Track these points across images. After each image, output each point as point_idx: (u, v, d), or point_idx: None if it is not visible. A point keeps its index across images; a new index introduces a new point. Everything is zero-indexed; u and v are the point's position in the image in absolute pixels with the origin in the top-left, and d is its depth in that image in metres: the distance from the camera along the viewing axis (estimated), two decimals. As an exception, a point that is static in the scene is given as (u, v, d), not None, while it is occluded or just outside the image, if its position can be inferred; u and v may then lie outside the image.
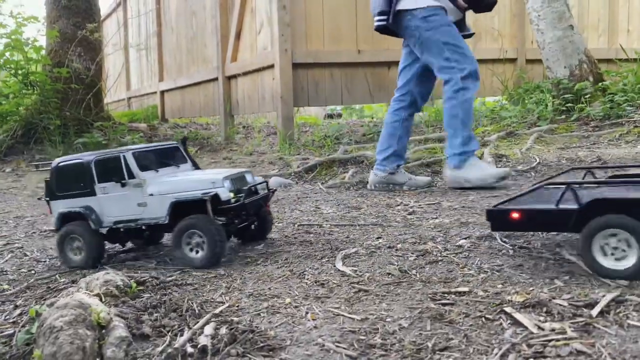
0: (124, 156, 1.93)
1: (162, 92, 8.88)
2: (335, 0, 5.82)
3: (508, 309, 1.15)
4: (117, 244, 2.17)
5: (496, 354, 0.96)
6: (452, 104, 3.10)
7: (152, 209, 1.89)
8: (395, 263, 1.58)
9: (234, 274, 1.66)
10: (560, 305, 1.15)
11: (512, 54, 6.81)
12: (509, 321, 1.10)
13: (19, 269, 1.96)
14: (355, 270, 1.55)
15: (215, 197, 1.80)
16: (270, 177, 3.58)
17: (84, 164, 1.98)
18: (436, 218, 2.15)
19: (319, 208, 2.54)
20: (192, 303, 1.34)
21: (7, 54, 6.31)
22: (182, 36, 8.15)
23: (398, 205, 2.48)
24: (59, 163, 2.04)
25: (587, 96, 4.20)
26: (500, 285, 1.36)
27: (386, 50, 6.14)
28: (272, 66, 5.84)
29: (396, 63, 5.99)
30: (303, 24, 5.81)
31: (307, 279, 1.51)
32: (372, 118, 9.41)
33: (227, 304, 1.34)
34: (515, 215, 1.45)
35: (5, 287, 1.69)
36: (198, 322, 1.18)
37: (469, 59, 3.09)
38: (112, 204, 1.95)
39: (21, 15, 6.78)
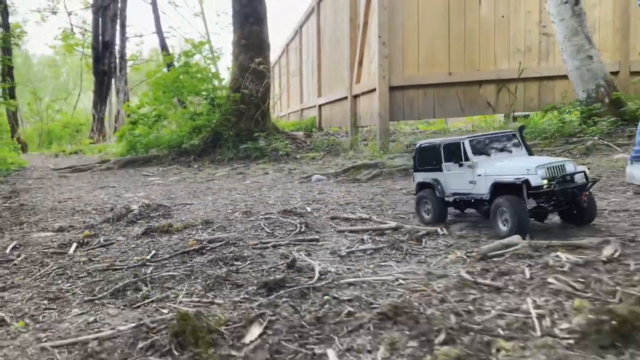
0: (462, 142, 2.40)
1: (320, 106, 11.43)
2: (430, 32, 7.48)
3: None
4: (458, 210, 2.65)
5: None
6: None
7: (479, 186, 2.31)
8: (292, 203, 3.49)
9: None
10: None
11: (615, 67, 7.51)
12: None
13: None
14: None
15: (526, 182, 2.11)
16: (313, 174, 5.62)
17: (436, 147, 2.57)
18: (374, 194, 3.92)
19: (314, 190, 4.42)
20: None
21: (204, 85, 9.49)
22: (331, 61, 10.54)
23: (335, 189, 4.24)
24: (421, 145, 2.69)
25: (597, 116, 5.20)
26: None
27: (477, 71, 7.62)
28: (374, 89, 7.81)
29: (486, 81, 7.56)
30: (400, 55, 7.66)
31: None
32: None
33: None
34: None
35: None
36: (134, 207, 3.33)
37: None
38: (452, 179, 2.47)
39: (214, 53, 9.94)
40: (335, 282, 1.60)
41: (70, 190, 6.11)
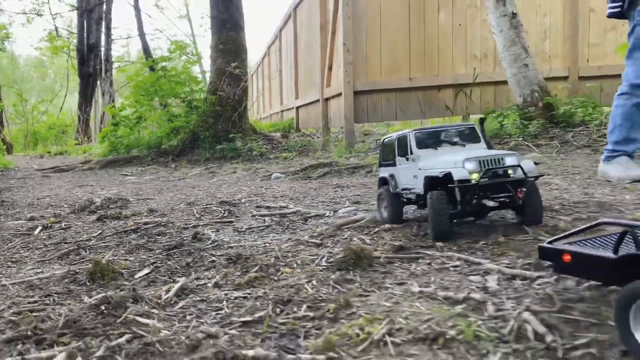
0: (408, 135, 2.39)
1: (297, 108, 12.11)
2: (392, 40, 8.16)
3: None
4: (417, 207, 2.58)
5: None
6: (615, 102, 3.46)
7: (419, 181, 2.27)
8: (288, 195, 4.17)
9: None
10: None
11: (565, 72, 8.20)
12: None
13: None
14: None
15: (448, 175, 2.06)
16: (273, 173, 6.31)
17: (392, 141, 2.55)
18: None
19: (268, 186, 5.09)
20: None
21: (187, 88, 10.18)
22: (307, 64, 11.23)
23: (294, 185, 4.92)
24: (384, 139, 2.70)
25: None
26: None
27: (436, 76, 8.32)
28: (340, 94, 8.49)
29: (444, 86, 8.23)
30: (364, 61, 8.34)
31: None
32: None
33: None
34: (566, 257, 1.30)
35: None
36: (96, 200, 4.00)
37: None
38: (402, 173, 2.44)
39: (193, 56, 10.62)
40: (220, 246, 2.28)
41: (50, 189, 6.77)
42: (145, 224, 2.97)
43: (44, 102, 21.33)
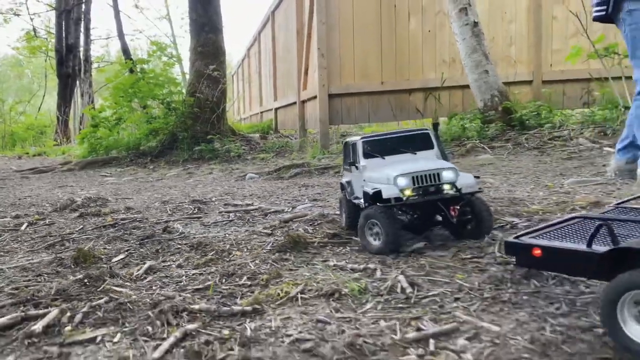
0: (355, 143, 2.35)
1: (276, 109, 12.54)
2: (364, 45, 8.64)
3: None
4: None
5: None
6: (636, 104, 3.32)
7: (364, 192, 2.24)
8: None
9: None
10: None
11: (529, 77, 8.73)
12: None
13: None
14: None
15: (378, 194, 2.05)
16: (248, 173, 6.73)
17: (349, 145, 2.47)
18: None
19: (241, 186, 5.52)
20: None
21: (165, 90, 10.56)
22: (284, 67, 11.66)
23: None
24: (345, 142, 2.55)
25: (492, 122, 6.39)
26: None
27: (406, 80, 8.81)
28: (316, 97, 8.93)
29: (415, 90, 8.70)
30: (338, 65, 8.80)
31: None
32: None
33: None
34: (537, 252, 1.33)
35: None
36: (77, 199, 4.40)
37: None
38: (355, 181, 2.40)
39: (172, 57, 11.00)
40: (186, 237, 2.71)
41: (31, 190, 7.12)
42: (122, 219, 3.38)
43: (22, 102, 21.50)
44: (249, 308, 1.52)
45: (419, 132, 2.39)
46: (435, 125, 2.49)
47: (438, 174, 2.09)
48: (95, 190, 6.51)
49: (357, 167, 2.35)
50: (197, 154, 10.02)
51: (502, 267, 1.77)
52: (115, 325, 1.51)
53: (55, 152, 14.19)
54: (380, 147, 2.32)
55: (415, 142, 2.35)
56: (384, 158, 2.30)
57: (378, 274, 1.77)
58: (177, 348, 1.27)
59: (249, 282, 1.80)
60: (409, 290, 1.57)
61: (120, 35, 13.04)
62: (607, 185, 3.32)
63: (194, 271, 2.03)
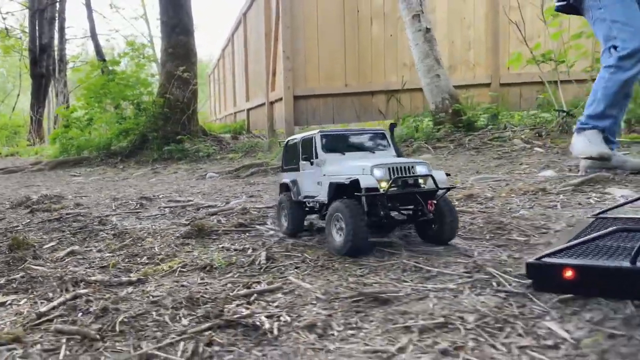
0: (314, 138, 2.32)
1: (248, 110, 12.92)
2: (329, 48, 9.06)
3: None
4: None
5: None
6: (599, 77, 3.44)
7: (323, 188, 2.21)
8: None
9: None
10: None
11: (487, 79, 9.19)
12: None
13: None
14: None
15: (355, 182, 2.00)
16: (208, 172, 7.12)
17: (296, 143, 2.48)
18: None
19: (196, 185, 5.88)
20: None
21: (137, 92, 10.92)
22: (256, 68, 12.06)
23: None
24: (287, 141, 2.60)
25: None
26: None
27: (369, 83, 9.24)
28: (282, 98, 9.33)
29: (377, 92, 9.10)
30: (303, 68, 9.21)
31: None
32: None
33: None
34: (568, 273, 1.23)
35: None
36: (33, 196, 4.76)
37: (637, 39, 3.27)
38: (305, 179, 2.38)
39: (144, 58, 11.35)
40: (116, 228, 3.09)
41: (-4, 188, 7.44)
42: (68, 214, 3.76)
43: (-4, 102, 21.76)
44: (134, 279, 1.91)
45: (377, 132, 2.43)
46: (392, 127, 2.49)
47: (412, 167, 2.10)
48: (59, 190, 6.86)
49: (311, 163, 2.33)
50: (166, 154, 10.38)
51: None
52: (24, 293, 1.89)
53: (28, 152, 14.48)
54: (338, 143, 2.33)
55: (372, 142, 2.38)
56: (344, 154, 2.30)
57: (249, 252, 2.17)
58: (63, 305, 1.66)
59: (147, 261, 2.19)
60: (264, 262, 1.98)
61: (93, 35, 13.35)
62: (501, 182, 3.77)
63: (109, 254, 2.41)
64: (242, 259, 2.06)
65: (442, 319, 1.32)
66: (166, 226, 2.97)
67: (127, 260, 2.24)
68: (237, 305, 1.51)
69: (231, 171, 7.27)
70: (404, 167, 2.08)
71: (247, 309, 1.48)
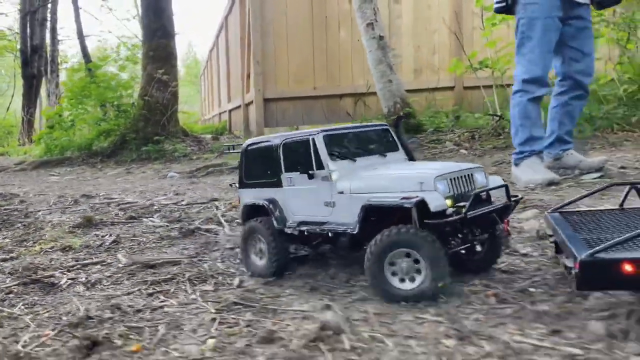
0: (313, 139, 1.79)
1: (229, 111, 13.54)
2: (298, 52, 9.64)
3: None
4: (306, 246, 2.05)
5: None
6: (512, 103, 3.57)
7: (342, 210, 1.70)
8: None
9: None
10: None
11: (452, 83, 9.70)
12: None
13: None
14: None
15: (422, 204, 1.52)
16: (169, 172, 7.71)
17: (272, 148, 1.93)
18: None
19: (150, 184, 6.45)
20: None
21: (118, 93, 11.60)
22: (236, 70, 12.67)
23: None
24: (248, 146, 2.09)
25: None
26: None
27: (337, 86, 9.82)
28: (253, 101, 9.92)
29: (345, 95, 9.67)
30: (273, 72, 9.79)
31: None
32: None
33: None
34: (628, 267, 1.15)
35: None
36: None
37: (541, 64, 3.40)
38: (297, 199, 1.85)
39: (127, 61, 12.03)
40: (36, 219, 3.68)
41: (-30, 187, 8.09)
42: (5, 209, 4.36)
43: (-11, 102, 22.63)
44: (9, 257, 2.49)
45: (380, 127, 2.04)
46: (398, 122, 2.08)
47: (471, 175, 1.71)
48: (29, 188, 7.50)
49: (310, 175, 1.83)
50: (144, 154, 10.99)
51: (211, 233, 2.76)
52: None
53: (18, 152, 15.21)
54: (345, 147, 1.87)
55: (378, 141, 1.97)
56: (354, 160, 1.84)
57: (106, 237, 2.76)
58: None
59: (31, 244, 2.78)
60: (108, 245, 2.56)
61: (80, 36, 14.03)
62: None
63: (7, 240, 3.00)
64: (97, 243, 2.64)
65: None
66: (74, 218, 3.55)
67: (15, 243, 2.82)
68: (56, 270, 2.08)
69: (192, 171, 7.86)
70: (462, 177, 1.68)
71: (64, 274, 2.05)
